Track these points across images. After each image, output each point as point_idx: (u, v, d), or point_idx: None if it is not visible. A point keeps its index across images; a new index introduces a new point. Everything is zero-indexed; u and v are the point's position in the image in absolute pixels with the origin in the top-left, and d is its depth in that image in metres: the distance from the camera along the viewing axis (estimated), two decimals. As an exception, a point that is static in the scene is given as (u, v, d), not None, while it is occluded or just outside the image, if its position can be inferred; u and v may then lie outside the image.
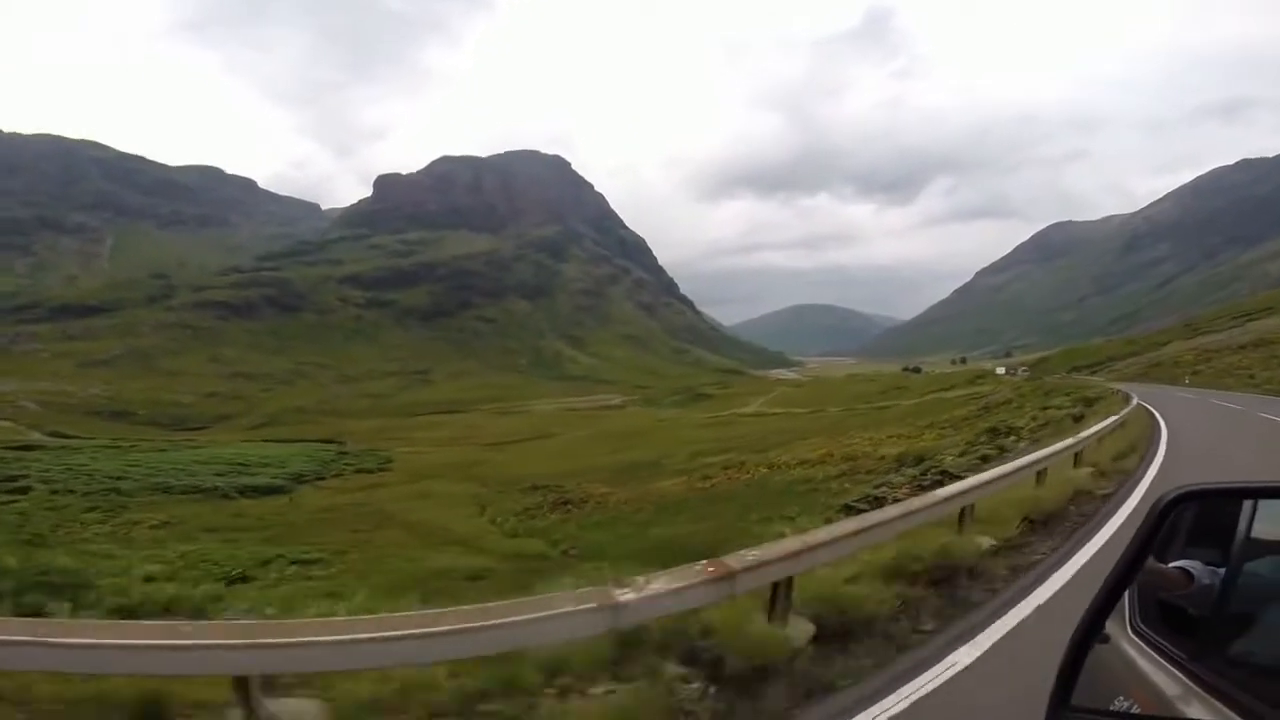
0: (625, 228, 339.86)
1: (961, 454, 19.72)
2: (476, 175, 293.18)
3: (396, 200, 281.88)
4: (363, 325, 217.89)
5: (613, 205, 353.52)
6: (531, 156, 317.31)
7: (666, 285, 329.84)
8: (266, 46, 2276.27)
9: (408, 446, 65.97)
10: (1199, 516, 1.59)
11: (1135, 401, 19.72)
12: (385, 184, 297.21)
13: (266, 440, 68.02)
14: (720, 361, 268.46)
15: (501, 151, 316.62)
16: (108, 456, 50.67)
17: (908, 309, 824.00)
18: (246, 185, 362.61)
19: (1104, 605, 1.50)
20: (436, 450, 62.55)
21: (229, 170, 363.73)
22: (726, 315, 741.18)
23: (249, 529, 29.92)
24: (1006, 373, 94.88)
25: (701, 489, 29.40)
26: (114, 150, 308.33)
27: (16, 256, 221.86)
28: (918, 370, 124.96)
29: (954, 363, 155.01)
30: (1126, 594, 1.61)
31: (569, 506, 30.48)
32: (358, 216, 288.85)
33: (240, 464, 49.08)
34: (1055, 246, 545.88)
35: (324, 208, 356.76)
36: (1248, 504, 1.54)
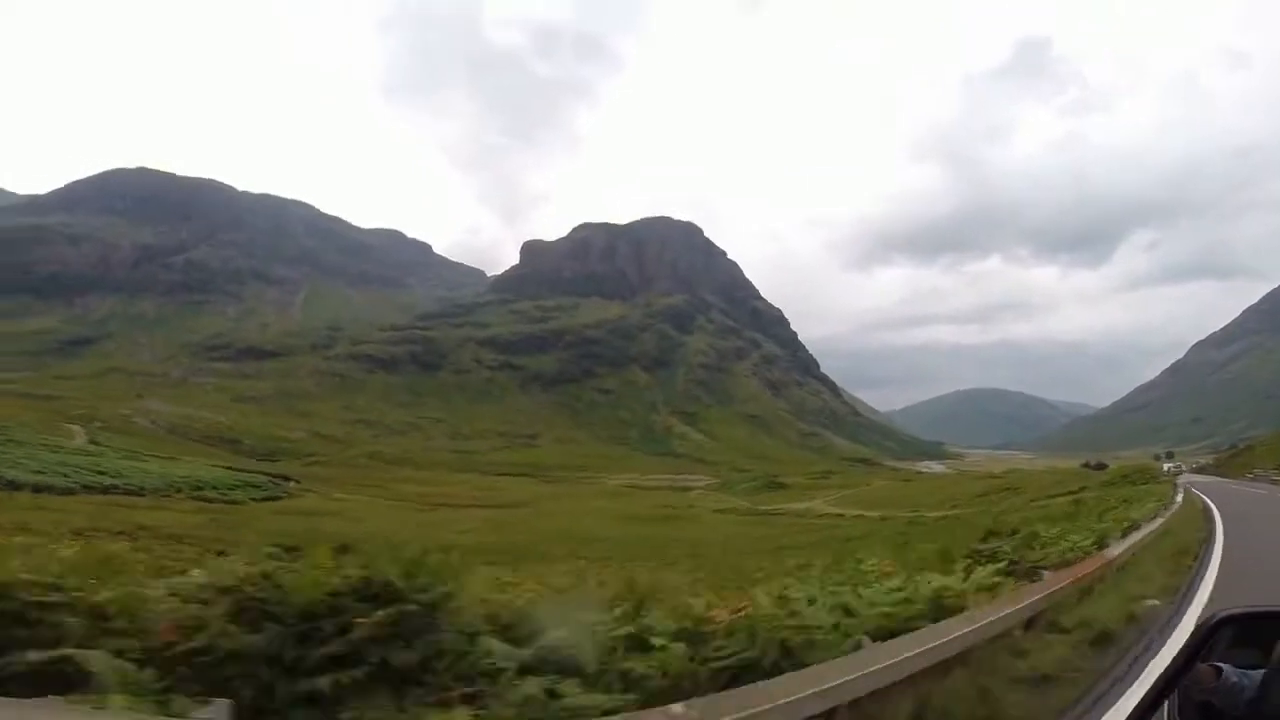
0: (760, 298, 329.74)
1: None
2: (610, 242, 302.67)
3: (539, 266, 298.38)
4: (491, 387, 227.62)
5: (751, 274, 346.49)
6: (664, 223, 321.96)
7: (803, 363, 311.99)
8: (446, 113, 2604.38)
9: (366, 496, 62.48)
10: (1243, 626, 1.75)
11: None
12: (530, 250, 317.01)
13: (229, 468, 67.95)
14: (854, 449, 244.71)
15: (640, 217, 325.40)
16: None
17: (1103, 393, 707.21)
18: (423, 249, 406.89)
19: (1153, 703, 1.62)
20: (371, 503, 58.07)
21: (409, 234, 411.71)
22: (883, 399, 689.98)
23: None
24: (1170, 469, 76.48)
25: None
26: (317, 210, 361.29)
27: (230, 302, 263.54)
28: (1102, 466, 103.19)
29: (1157, 457, 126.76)
30: (1166, 704, 1.72)
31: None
32: (506, 282, 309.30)
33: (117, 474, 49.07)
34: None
35: (489, 274, 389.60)
36: None
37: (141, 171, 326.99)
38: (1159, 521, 15.23)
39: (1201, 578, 9.68)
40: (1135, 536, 11.82)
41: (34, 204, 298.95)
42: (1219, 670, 1.62)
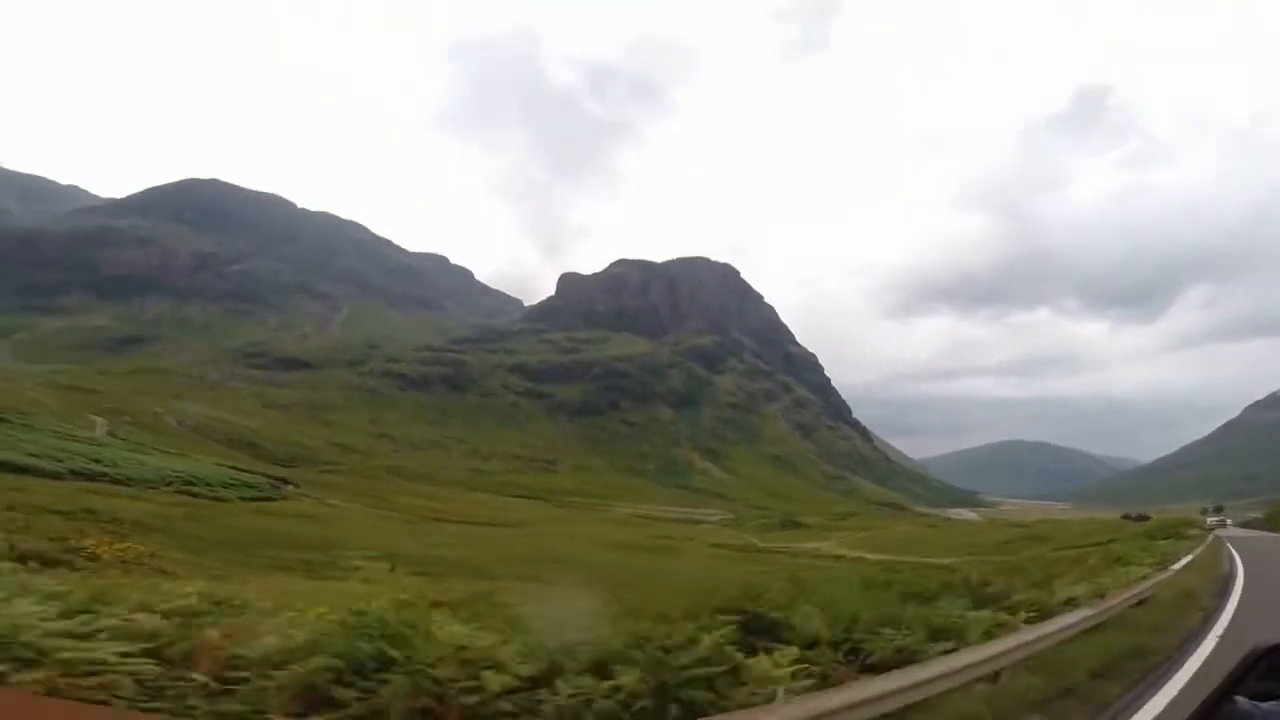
0: (794, 343, 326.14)
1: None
2: (645, 279, 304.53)
3: (573, 298, 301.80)
4: (517, 412, 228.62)
5: (787, 319, 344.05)
6: (700, 263, 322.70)
7: (835, 408, 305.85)
8: (498, 145, 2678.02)
9: (361, 505, 62.10)
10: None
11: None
12: (566, 282, 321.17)
13: (233, 466, 68.49)
14: (882, 494, 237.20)
15: (676, 257, 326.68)
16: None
17: (1151, 449, 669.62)
18: (465, 275, 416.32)
19: None
20: (362, 511, 57.55)
21: (453, 260, 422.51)
22: (918, 447, 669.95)
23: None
24: (1213, 522, 73.33)
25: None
26: (369, 232, 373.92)
27: (273, 313, 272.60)
28: (1144, 518, 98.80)
29: (1204, 511, 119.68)
30: None
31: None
32: (540, 312, 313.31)
33: (110, 465, 49.76)
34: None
35: (526, 304, 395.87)
36: None
37: (213, 183, 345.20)
38: (1118, 600, 10.30)
39: None
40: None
41: (111, 207, 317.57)
42: (1234, 701, 1.63)
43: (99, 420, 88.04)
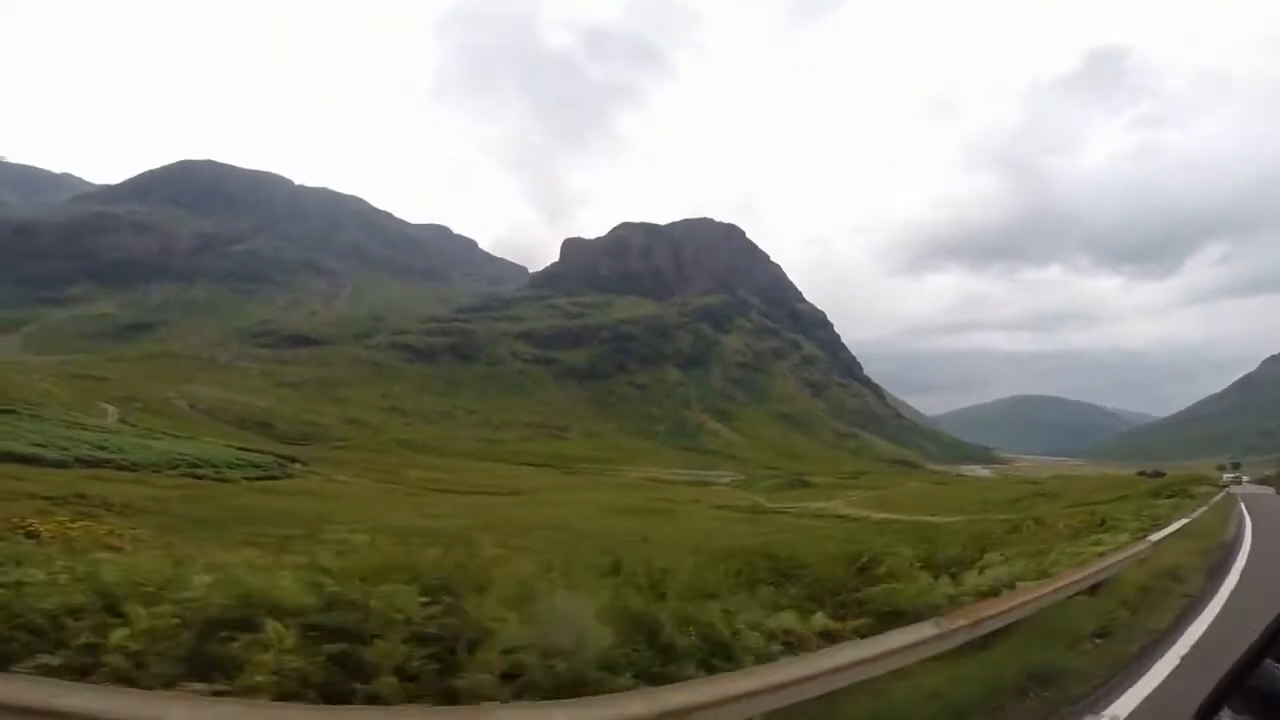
0: (802, 300, 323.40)
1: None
2: (649, 242, 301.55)
3: (577, 263, 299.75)
4: (525, 379, 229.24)
5: (797, 278, 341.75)
6: (704, 224, 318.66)
7: (845, 365, 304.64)
8: (496, 112, 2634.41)
9: (369, 479, 62.62)
10: None
11: None
12: (570, 247, 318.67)
13: (241, 447, 69.04)
14: (894, 451, 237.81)
15: (680, 218, 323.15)
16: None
17: (1166, 403, 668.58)
18: (468, 244, 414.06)
19: (1217, 701, 1.60)
20: (370, 485, 57.99)
21: (456, 230, 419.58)
22: (930, 403, 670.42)
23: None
24: (1229, 479, 71.34)
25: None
26: (369, 205, 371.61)
27: (280, 291, 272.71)
28: (1160, 474, 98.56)
29: (1221, 467, 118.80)
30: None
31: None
32: (545, 278, 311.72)
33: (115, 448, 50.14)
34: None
35: (531, 270, 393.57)
36: None
37: (209, 164, 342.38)
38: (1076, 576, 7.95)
39: None
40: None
41: (106, 193, 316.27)
42: (1266, 665, 1.60)
43: (110, 408, 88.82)
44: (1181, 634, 7.24)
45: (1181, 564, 11.46)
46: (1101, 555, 9.82)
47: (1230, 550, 14.70)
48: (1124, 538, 12.77)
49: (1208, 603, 9.01)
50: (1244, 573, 11.77)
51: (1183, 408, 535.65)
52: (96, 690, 2.42)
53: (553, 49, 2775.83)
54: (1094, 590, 8.29)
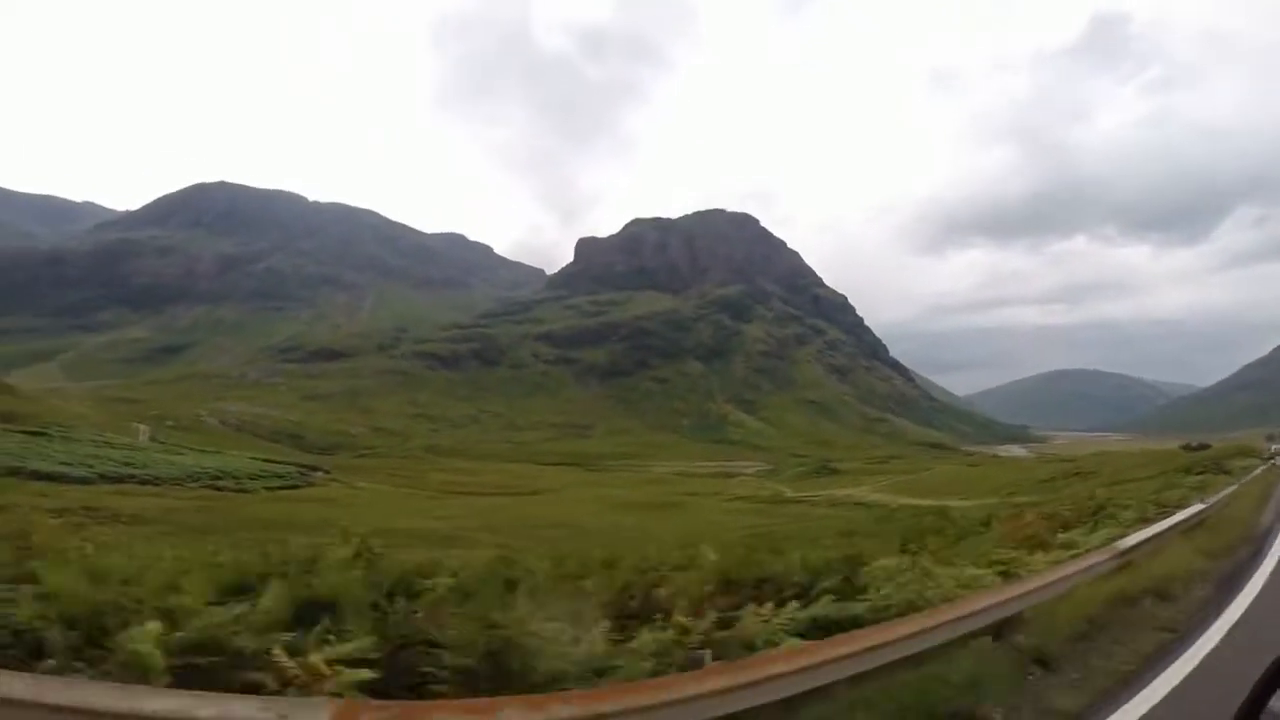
0: (823, 285, 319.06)
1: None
2: (662, 237, 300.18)
3: (592, 262, 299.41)
4: (547, 380, 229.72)
5: (815, 263, 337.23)
6: (716, 215, 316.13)
7: (870, 348, 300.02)
8: (501, 118, 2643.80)
9: (390, 485, 62.64)
10: None
11: None
12: (584, 247, 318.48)
13: (266, 459, 69.37)
14: (925, 434, 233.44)
15: (692, 211, 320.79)
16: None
17: (1207, 372, 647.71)
18: (484, 251, 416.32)
19: None
20: (391, 491, 57.94)
21: (471, 237, 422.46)
22: (963, 383, 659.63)
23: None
24: (1275, 449, 66.94)
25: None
26: (384, 218, 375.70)
27: (304, 307, 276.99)
28: (1204, 447, 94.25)
29: (1270, 438, 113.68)
30: None
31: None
32: (561, 279, 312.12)
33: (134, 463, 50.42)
34: None
35: (547, 272, 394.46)
36: None
37: (221, 185, 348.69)
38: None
39: None
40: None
41: (128, 219, 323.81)
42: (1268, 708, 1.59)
43: (142, 427, 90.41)
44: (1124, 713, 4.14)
45: (1177, 571, 8.00)
46: (1081, 554, 7.44)
47: (1260, 546, 10.76)
48: (1098, 537, 9.59)
49: (1196, 639, 5.67)
50: (1270, 585, 8.08)
51: (1224, 376, 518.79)
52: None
53: (551, 51, 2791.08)
54: (999, 633, 5.23)
